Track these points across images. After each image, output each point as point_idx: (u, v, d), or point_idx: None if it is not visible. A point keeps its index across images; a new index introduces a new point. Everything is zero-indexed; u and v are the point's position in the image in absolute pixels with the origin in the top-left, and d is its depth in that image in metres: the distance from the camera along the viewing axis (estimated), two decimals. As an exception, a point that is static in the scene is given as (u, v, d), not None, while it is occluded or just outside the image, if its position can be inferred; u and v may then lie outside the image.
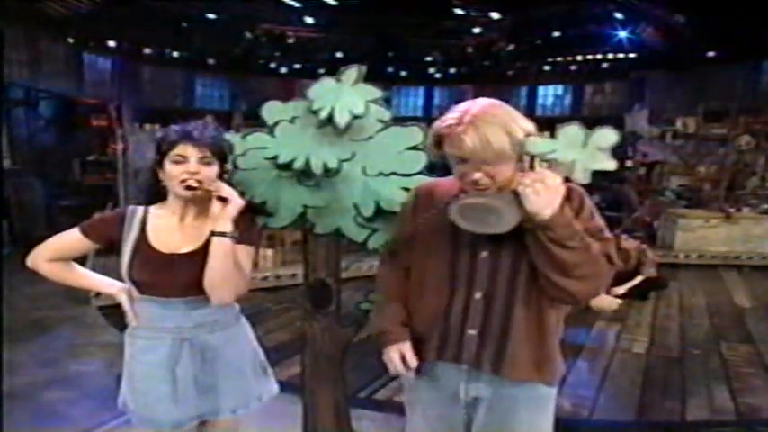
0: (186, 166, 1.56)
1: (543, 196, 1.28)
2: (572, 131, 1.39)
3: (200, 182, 1.56)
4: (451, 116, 1.37)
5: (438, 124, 1.40)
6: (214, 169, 1.60)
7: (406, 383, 1.68)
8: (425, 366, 1.58)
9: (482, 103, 1.38)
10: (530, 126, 1.38)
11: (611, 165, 1.38)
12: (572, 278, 1.35)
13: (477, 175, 1.35)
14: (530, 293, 1.43)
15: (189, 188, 1.56)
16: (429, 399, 1.60)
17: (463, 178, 1.40)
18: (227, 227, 1.56)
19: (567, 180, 1.35)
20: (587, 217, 1.41)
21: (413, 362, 1.55)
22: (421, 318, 1.56)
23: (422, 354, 1.56)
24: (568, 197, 1.36)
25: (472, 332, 1.47)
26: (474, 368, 1.49)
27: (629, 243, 6.03)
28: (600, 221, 1.45)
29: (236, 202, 1.57)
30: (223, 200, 1.57)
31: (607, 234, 1.44)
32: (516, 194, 1.32)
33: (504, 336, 1.45)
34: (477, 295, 1.46)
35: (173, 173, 1.57)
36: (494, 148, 1.31)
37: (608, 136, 1.38)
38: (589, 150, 1.39)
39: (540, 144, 1.38)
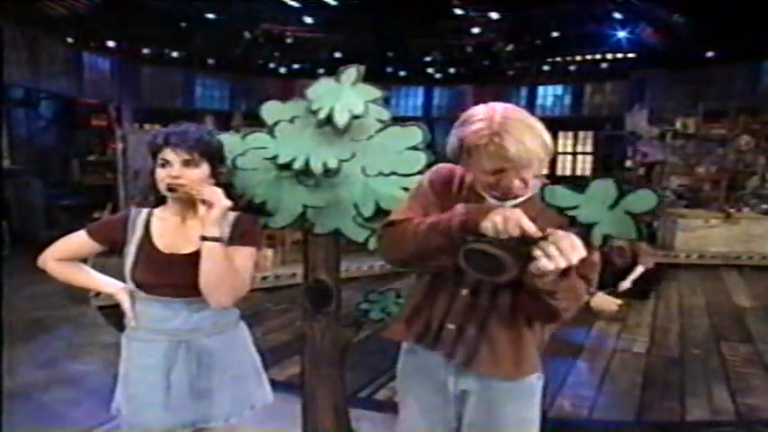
0: (170, 169, 1.58)
1: (558, 268, 1.19)
2: (604, 188, 1.21)
3: (181, 185, 1.57)
4: (477, 125, 1.31)
5: (466, 134, 1.33)
6: (200, 171, 1.60)
7: (399, 375, 1.70)
8: (415, 356, 1.61)
9: (500, 107, 1.34)
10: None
11: (636, 236, 1.22)
12: (554, 316, 1.38)
13: (518, 183, 1.34)
14: (513, 295, 1.44)
15: (169, 190, 1.58)
16: (420, 392, 1.62)
17: (495, 187, 1.36)
18: (215, 231, 1.54)
19: None
20: (588, 266, 1.34)
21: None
22: (412, 307, 1.60)
23: (401, 336, 1.61)
24: None
25: (451, 326, 1.50)
26: (448, 358, 1.52)
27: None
28: (594, 256, 1.36)
29: (221, 205, 1.54)
30: (207, 203, 1.55)
31: (595, 261, 1.39)
32: (524, 252, 1.20)
33: (481, 332, 1.48)
34: (464, 292, 1.48)
35: (159, 176, 1.60)
36: (532, 153, 1.29)
37: (647, 200, 1.19)
38: (616, 213, 1.21)
39: (561, 195, 1.24)
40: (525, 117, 1.33)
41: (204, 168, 1.61)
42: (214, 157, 1.65)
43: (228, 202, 1.56)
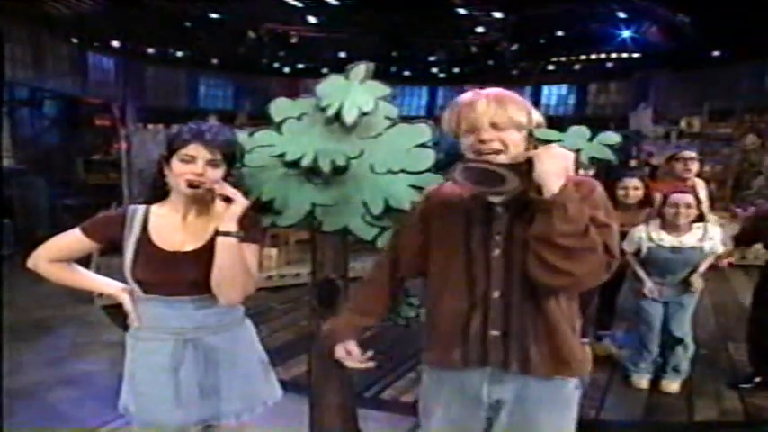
0: (193, 166, 1.55)
1: (555, 161, 1.29)
2: (581, 129, 1.70)
3: (203, 182, 1.56)
4: (469, 92, 1.45)
5: (458, 99, 1.46)
6: (220, 171, 1.59)
7: (426, 386, 1.64)
8: (449, 374, 1.55)
9: (495, 89, 1.46)
10: (541, 119, 1.48)
11: (612, 157, 1.71)
12: (568, 260, 1.30)
13: (486, 135, 1.37)
14: (540, 288, 1.40)
15: (191, 186, 1.55)
16: (450, 401, 1.56)
17: (473, 146, 1.40)
18: (232, 226, 1.54)
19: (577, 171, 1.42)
20: (593, 205, 1.38)
21: (358, 355, 1.68)
22: (443, 323, 1.52)
23: (446, 362, 1.52)
24: (579, 184, 1.36)
25: (495, 333, 1.44)
26: (501, 370, 1.46)
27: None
28: (604, 213, 1.39)
29: (241, 202, 1.56)
30: (227, 199, 1.56)
31: (608, 222, 1.38)
32: (523, 165, 1.33)
33: (524, 333, 1.43)
34: (495, 294, 1.44)
35: (178, 171, 1.56)
36: (507, 112, 1.37)
37: (612, 137, 1.74)
38: (595, 144, 1.68)
39: (548, 133, 1.56)
40: (514, 95, 1.44)
41: (223, 170, 1.60)
42: (233, 160, 1.65)
43: (246, 201, 1.57)
